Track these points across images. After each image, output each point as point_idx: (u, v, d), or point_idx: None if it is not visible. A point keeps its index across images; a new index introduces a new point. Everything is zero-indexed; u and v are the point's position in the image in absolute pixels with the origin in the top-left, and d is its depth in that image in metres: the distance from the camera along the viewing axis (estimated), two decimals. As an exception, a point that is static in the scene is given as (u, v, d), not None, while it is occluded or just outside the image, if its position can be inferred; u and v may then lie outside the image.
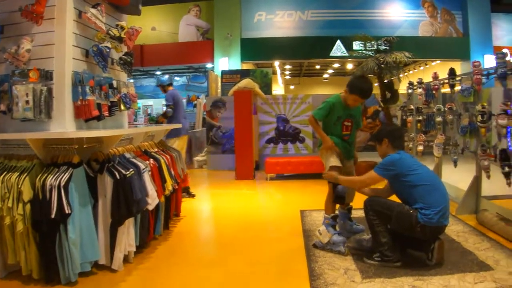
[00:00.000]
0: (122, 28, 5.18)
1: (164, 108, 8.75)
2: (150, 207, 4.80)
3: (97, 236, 4.30)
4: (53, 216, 3.85)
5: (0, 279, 4.28)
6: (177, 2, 19.59)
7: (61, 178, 3.94)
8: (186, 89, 21.86)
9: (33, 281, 4.14)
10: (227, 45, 18.34)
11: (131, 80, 7.20)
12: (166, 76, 8.71)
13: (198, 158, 12.91)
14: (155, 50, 18.69)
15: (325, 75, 31.19)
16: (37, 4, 4.44)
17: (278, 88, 28.12)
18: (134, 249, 4.65)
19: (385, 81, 10.42)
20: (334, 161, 5.05)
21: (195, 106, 17.58)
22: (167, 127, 6.67)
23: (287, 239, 5.54)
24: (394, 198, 4.65)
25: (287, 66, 25.39)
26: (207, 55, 18.78)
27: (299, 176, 10.23)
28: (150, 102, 23.85)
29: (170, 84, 8.91)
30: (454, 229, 5.62)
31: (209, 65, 19.34)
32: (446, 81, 7.49)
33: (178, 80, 22.38)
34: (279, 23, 18.96)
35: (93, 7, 4.83)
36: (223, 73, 16.33)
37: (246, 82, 11.86)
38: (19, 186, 3.98)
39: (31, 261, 4.10)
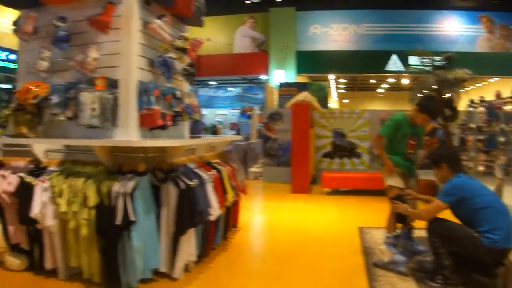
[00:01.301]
0: (186, 39, 5.23)
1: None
2: (212, 217, 4.83)
3: (159, 244, 4.34)
4: (118, 223, 3.92)
5: (62, 281, 4.40)
6: (233, 13, 19.74)
7: (127, 186, 4.00)
8: (240, 100, 21.91)
9: (94, 284, 4.23)
10: (283, 58, 18.34)
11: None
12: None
13: (254, 169, 12.86)
14: (210, 61, 18.74)
15: (380, 90, 30.85)
16: (104, 14, 4.55)
17: (332, 102, 27.99)
18: (195, 258, 4.68)
19: (446, 97, 10.18)
20: (393, 180, 5.13)
21: (249, 117, 17.62)
22: (228, 138, 6.69)
23: (346, 256, 5.46)
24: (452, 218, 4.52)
25: (341, 80, 25.22)
26: (262, 67, 18.81)
27: (355, 192, 10.06)
28: (204, 111, 23.93)
29: None
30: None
31: (263, 77, 19.38)
32: (510, 99, 7.27)
33: (232, 90, 22.45)
34: (334, 37, 18.90)
35: (159, 18, 4.90)
36: (280, 85, 16.32)
37: (304, 96, 11.79)
38: (85, 192, 4.07)
39: (93, 265, 4.20)
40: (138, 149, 4.35)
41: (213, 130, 19.03)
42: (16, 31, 5.18)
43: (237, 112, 21.32)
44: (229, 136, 7.66)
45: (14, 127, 4.86)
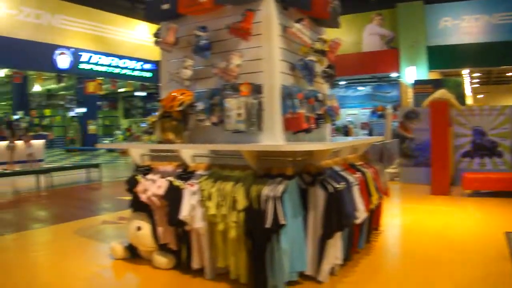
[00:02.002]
0: (325, 41, 5.21)
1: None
2: (358, 221, 4.75)
3: (306, 247, 4.35)
4: (268, 226, 3.96)
5: (209, 280, 4.55)
6: (360, 11, 19.51)
7: (277, 189, 4.03)
8: (372, 99, 21.57)
9: (241, 285, 4.31)
10: (414, 54, 17.82)
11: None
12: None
13: (390, 170, 12.54)
14: (339, 60, 18.49)
15: (517, 83, 29.15)
16: (244, 21, 4.64)
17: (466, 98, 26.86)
18: (340, 262, 4.63)
19: None
20: None
21: (380, 116, 17.33)
22: (371, 139, 6.57)
23: (494, 263, 5.12)
24: None
25: (475, 74, 24.05)
26: (392, 64, 18.42)
27: (499, 194, 9.38)
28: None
29: None
30: None
31: (393, 75, 18.96)
32: None
33: (362, 89, 22.19)
34: (466, 28, 18.11)
35: (297, 22, 4.92)
36: (415, 83, 15.86)
37: (441, 93, 11.28)
38: (234, 195, 4.18)
39: (241, 267, 4.28)
40: (287, 153, 4.38)
41: (345, 130, 18.92)
42: (158, 43, 5.43)
43: (367, 111, 21.03)
44: (372, 137, 7.51)
45: (160, 133, 5.12)
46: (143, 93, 31.54)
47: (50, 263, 5.62)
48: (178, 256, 4.88)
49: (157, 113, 5.37)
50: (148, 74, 22.49)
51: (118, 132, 35.44)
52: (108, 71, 20.97)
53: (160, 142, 5.16)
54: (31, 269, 5.29)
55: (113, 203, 9.93)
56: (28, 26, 18.12)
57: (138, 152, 5.50)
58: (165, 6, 5.28)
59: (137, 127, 35.70)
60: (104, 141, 29.45)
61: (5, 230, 7.42)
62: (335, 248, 4.47)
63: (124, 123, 39.37)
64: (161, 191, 4.76)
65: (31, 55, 17.83)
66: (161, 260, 4.90)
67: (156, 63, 21.62)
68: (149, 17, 5.42)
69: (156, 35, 5.52)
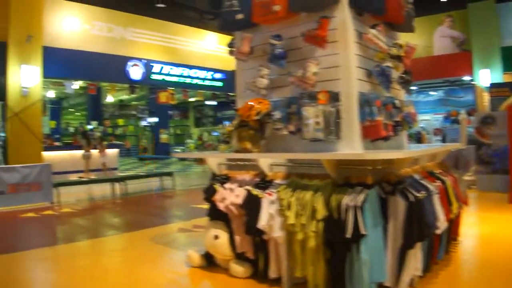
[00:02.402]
0: (401, 46, 5.13)
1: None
2: (439, 231, 4.63)
3: (386, 258, 4.26)
4: (348, 236, 3.93)
5: (286, 290, 4.51)
6: (429, 14, 19.02)
7: (358, 199, 4.00)
8: (444, 104, 20.96)
9: (318, 295, 4.26)
10: (487, 56, 17.19)
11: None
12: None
13: (466, 177, 12.12)
14: (410, 65, 18.11)
15: None
16: (319, 28, 4.62)
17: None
18: (420, 273, 4.51)
19: None
20: None
21: (453, 122, 16.81)
22: (449, 146, 6.40)
23: None
24: None
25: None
26: (464, 67, 17.78)
27: None
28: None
29: None
30: None
31: (466, 78, 18.37)
32: None
33: (434, 94, 21.59)
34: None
35: (372, 27, 4.86)
36: (491, 86, 15.30)
37: (519, 96, 10.94)
38: (314, 205, 4.16)
39: (319, 277, 4.25)
40: (367, 161, 4.34)
41: (418, 137, 18.45)
42: (232, 52, 5.50)
43: (440, 116, 20.45)
44: (451, 144, 7.32)
45: (238, 142, 5.14)
46: (214, 102, 32.01)
47: (126, 269, 5.77)
48: (255, 265, 4.89)
49: (231, 122, 5.41)
50: (219, 83, 22.74)
51: (189, 140, 36.07)
52: (179, 81, 21.36)
53: (237, 151, 5.19)
54: (107, 275, 5.47)
55: (186, 211, 10.08)
56: (101, 40, 18.70)
57: (215, 161, 5.57)
58: (239, 16, 5.33)
59: (208, 136, 36.23)
60: (175, 150, 30.02)
61: (82, 237, 7.70)
62: (415, 258, 4.37)
63: (195, 132, 40.04)
64: (239, 200, 4.81)
65: (105, 67, 18.39)
66: (238, 268, 4.93)
67: (226, 72, 21.87)
68: (222, 28, 5.53)
69: (231, 45, 5.60)
